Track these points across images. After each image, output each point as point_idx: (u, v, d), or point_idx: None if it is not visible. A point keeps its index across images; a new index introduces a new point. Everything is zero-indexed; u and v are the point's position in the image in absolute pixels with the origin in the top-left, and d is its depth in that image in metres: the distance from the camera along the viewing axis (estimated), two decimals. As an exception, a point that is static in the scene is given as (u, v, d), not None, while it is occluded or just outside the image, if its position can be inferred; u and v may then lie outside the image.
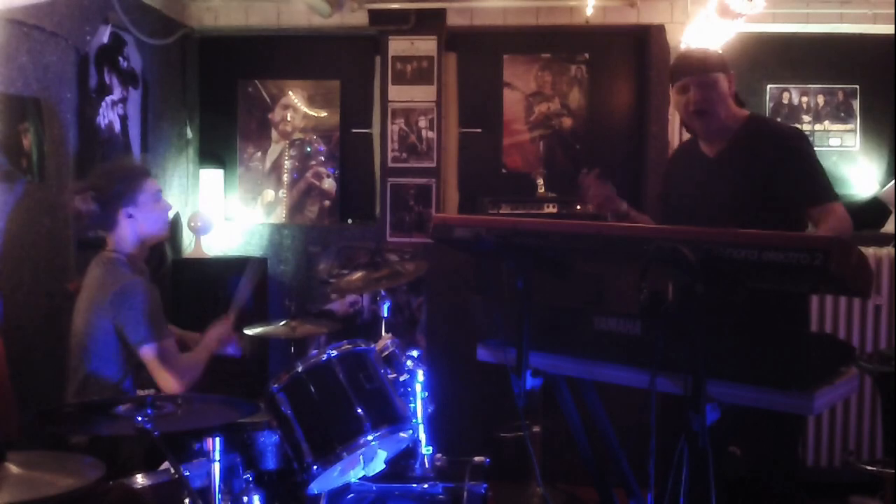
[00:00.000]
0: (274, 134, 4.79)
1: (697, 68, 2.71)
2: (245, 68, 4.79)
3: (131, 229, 2.82)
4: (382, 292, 3.47)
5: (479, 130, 4.71)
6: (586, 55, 4.63)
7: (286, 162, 4.78)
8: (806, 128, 4.39)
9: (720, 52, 2.80)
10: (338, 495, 2.75)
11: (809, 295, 2.79)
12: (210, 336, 2.94)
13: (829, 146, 4.46)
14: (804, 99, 4.47)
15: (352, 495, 2.79)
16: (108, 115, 3.79)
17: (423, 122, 4.56)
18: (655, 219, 3.01)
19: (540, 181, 4.42)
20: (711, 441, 1.80)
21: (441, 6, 4.50)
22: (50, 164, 3.28)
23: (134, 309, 2.68)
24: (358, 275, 3.54)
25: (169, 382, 2.68)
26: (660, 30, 4.43)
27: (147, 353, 2.68)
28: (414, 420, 2.82)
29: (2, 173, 3.00)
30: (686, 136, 4.48)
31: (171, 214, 2.99)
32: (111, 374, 2.73)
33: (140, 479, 2.15)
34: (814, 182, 2.62)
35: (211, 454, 2.15)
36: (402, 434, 2.61)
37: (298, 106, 4.77)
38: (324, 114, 4.76)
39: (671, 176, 3.01)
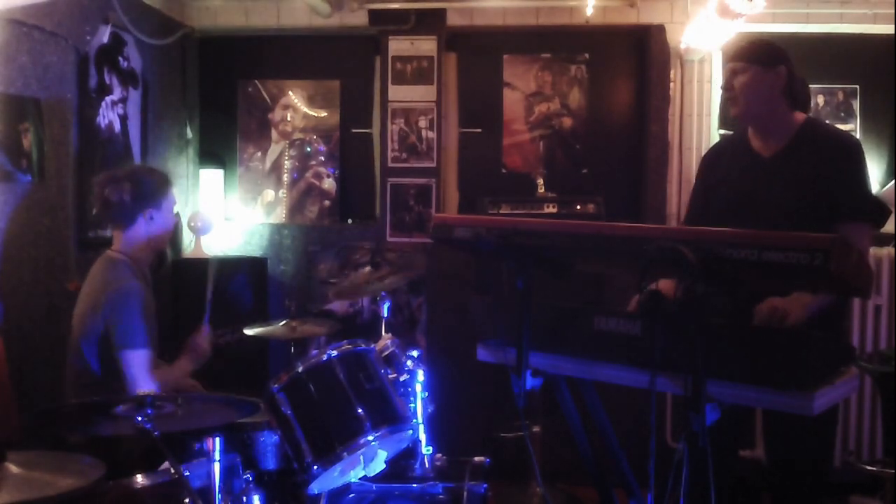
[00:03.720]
0: (274, 134, 4.79)
1: (730, 54, 2.69)
2: (245, 68, 4.79)
3: (145, 231, 2.86)
4: (382, 292, 3.47)
5: (479, 130, 4.71)
6: (586, 55, 4.63)
7: (286, 162, 4.78)
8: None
9: (774, 44, 2.70)
10: (338, 495, 2.75)
11: (848, 300, 2.73)
12: (186, 354, 2.99)
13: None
14: (804, 99, 4.47)
15: (352, 495, 2.79)
16: (108, 115, 3.79)
17: (423, 122, 4.56)
18: (689, 214, 2.96)
19: (540, 181, 4.42)
20: (720, 443, 1.79)
21: (441, 6, 4.50)
22: (50, 164, 3.29)
23: (125, 313, 2.68)
24: (365, 271, 3.53)
25: (137, 392, 2.68)
26: (660, 30, 4.43)
27: (126, 358, 2.68)
28: (414, 420, 2.81)
29: (2, 173, 3.00)
30: (684, 137, 4.50)
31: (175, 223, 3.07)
32: (104, 372, 2.73)
33: (140, 479, 2.14)
34: (850, 196, 2.55)
35: (211, 454, 2.15)
36: (402, 434, 2.61)
37: (298, 106, 4.77)
38: (324, 114, 4.76)
39: (715, 170, 2.87)
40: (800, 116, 2.69)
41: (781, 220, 2.53)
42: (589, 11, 4.12)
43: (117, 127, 3.89)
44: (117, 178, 2.87)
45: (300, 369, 2.52)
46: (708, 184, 2.87)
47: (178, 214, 3.11)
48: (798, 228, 2.13)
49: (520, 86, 4.67)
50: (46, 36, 3.27)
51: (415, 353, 3.01)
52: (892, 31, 4.03)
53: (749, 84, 2.63)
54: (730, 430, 2.24)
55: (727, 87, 2.68)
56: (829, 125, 2.81)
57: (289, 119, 4.78)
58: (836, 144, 2.62)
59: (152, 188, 2.88)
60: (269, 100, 4.78)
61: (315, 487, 2.51)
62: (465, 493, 2.81)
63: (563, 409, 2.39)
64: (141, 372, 2.69)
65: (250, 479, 2.38)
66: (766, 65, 2.63)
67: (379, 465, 2.64)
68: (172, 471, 2.07)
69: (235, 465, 2.37)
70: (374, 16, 4.52)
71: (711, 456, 1.75)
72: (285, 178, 4.78)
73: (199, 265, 4.38)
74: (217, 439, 2.15)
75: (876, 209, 2.60)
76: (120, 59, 3.89)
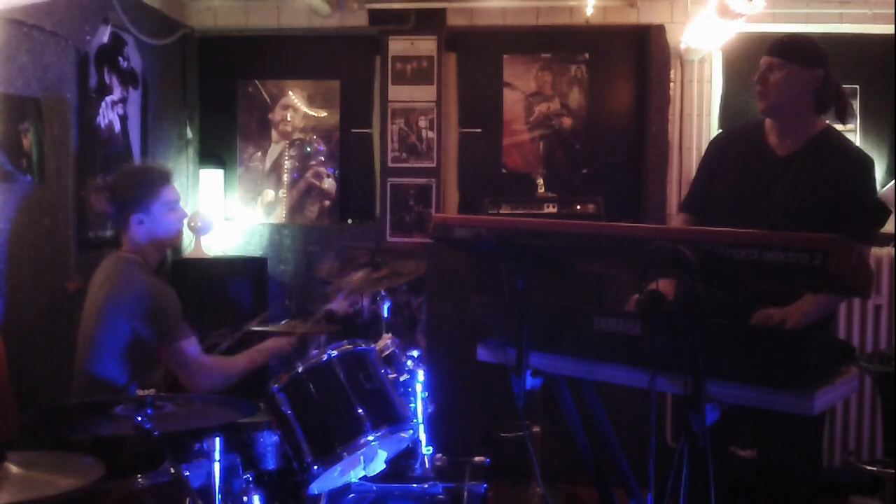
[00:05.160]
0: (274, 134, 4.79)
1: (770, 49, 2.65)
2: (245, 68, 4.79)
3: (142, 234, 2.83)
4: (382, 292, 3.47)
5: (479, 130, 4.71)
6: (586, 55, 4.63)
7: (286, 162, 4.78)
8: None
9: (817, 45, 2.68)
10: (338, 495, 2.75)
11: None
12: (265, 344, 2.98)
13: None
14: (804, 99, 4.46)
15: (352, 495, 2.79)
16: (108, 115, 3.79)
17: (423, 122, 4.56)
18: (689, 196, 2.93)
19: (540, 181, 4.42)
20: (714, 441, 1.79)
21: (441, 6, 4.50)
22: (50, 164, 3.28)
23: (158, 310, 2.69)
24: (359, 274, 3.53)
25: (193, 381, 2.69)
26: (660, 30, 4.43)
27: (173, 353, 2.69)
28: (414, 420, 2.82)
29: (2, 173, 3.00)
30: (684, 137, 4.50)
31: (184, 219, 2.99)
32: (117, 377, 2.72)
33: (140, 479, 2.14)
34: (856, 213, 2.53)
35: (211, 454, 2.15)
36: (402, 434, 2.61)
37: (298, 106, 4.77)
38: (324, 114, 4.76)
39: (724, 157, 2.83)
40: (821, 122, 2.69)
41: (781, 220, 2.52)
42: (589, 11, 4.13)
43: (117, 127, 3.88)
44: (99, 187, 2.85)
45: (300, 369, 2.52)
46: (714, 169, 2.84)
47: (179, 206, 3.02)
48: (795, 230, 2.12)
49: (520, 86, 4.67)
50: (46, 36, 3.27)
51: (415, 353, 3.01)
52: (892, 31, 4.03)
53: (784, 81, 2.61)
54: (725, 429, 2.24)
55: (761, 81, 2.65)
56: (845, 139, 2.76)
57: (289, 119, 4.78)
58: (847, 157, 2.61)
59: (133, 194, 2.81)
60: (269, 100, 4.78)
61: (315, 487, 2.51)
62: (465, 493, 2.82)
63: (563, 409, 2.39)
64: (195, 358, 2.71)
65: (250, 479, 2.39)
66: (804, 65, 2.61)
67: (379, 465, 2.64)
68: (172, 471, 2.07)
69: (235, 465, 2.37)
70: (374, 16, 4.52)
71: (720, 457, 1.75)
72: (285, 178, 4.78)
73: (200, 265, 4.39)
74: (217, 439, 2.15)
75: (877, 223, 2.59)
76: (120, 59, 3.89)
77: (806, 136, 2.65)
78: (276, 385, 2.52)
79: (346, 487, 2.77)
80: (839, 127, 2.78)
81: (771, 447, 2.69)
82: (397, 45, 4.56)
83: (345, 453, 2.43)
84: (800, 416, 1.78)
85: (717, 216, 2.71)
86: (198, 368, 2.71)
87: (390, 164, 4.59)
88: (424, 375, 2.96)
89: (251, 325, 3.24)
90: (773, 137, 2.71)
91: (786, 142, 2.68)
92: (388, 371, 2.78)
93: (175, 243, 3.04)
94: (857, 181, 2.57)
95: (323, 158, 4.76)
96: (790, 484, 2.67)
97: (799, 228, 2.37)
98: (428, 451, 2.95)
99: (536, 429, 3.93)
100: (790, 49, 2.64)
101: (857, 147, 2.74)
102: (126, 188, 2.83)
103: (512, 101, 4.68)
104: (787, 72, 2.61)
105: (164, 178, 2.90)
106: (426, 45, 4.54)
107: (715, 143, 2.93)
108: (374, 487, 2.81)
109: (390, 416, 2.56)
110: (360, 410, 2.49)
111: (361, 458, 2.53)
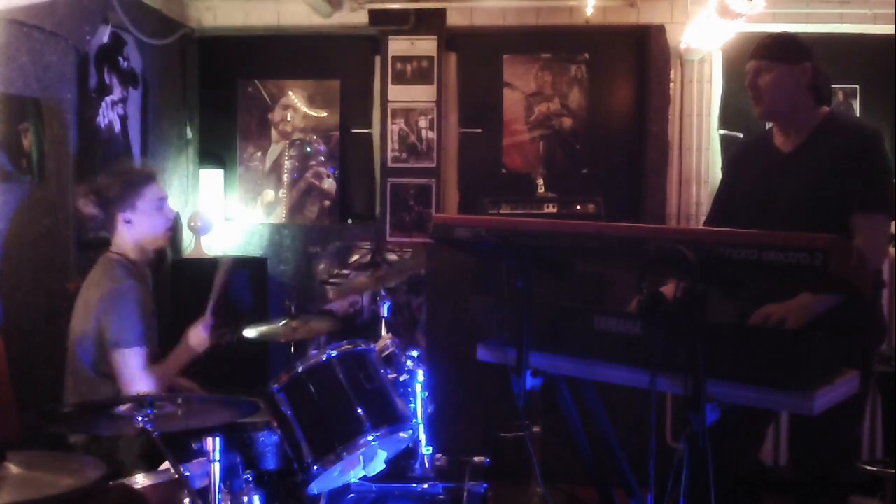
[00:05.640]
0: (274, 134, 4.79)
1: (755, 53, 2.63)
2: (245, 68, 4.80)
3: (129, 234, 2.81)
4: (382, 292, 3.47)
5: (479, 130, 4.72)
6: (586, 55, 4.63)
7: (286, 162, 4.78)
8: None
9: (799, 40, 2.66)
10: (338, 495, 2.75)
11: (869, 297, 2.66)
12: (183, 344, 2.92)
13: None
14: (804, 99, 4.46)
15: (352, 495, 2.79)
16: (108, 115, 3.79)
17: (423, 122, 4.56)
18: (710, 213, 2.92)
19: (540, 181, 4.42)
20: (730, 444, 1.79)
21: (441, 6, 4.50)
22: (50, 164, 3.29)
23: (120, 313, 2.67)
24: (362, 277, 3.53)
25: (133, 391, 2.66)
26: (660, 30, 4.43)
27: (120, 357, 2.66)
28: (414, 420, 2.81)
29: (2, 173, 3.00)
30: (684, 138, 4.50)
31: (171, 218, 2.96)
32: (99, 373, 2.72)
33: (140, 479, 2.14)
34: (864, 185, 2.48)
35: (211, 454, 2.15)
36: (402, 434, 2.61)
37: (298, 106, 4.77)
38: (324, 114, 4.77)
39: (737, 168, 2.83)
40: (823, 111, 2.66)
41: (799, 215, 2.50)
42: (589, 11, 4.13)
43: (117, 127, 3.89)
44: (85, 190, 2.83)
45: (300, 369, 2.52)
46: (729, 182, 2.84)
47: (177, 214, 3.04)
48: (815, 223, 2.10)
49: (520, 86, 4.67)
50: (46, 36, 3.27)
51: (415, 353, 3.01)
52: (892, 31, 4.03)
53: (775, 82, 2.59)
54: (726, 429, 2.23)
55: (752, 86, 2.63)
56: (851, 117, 2.72)
57: (289, 119, 4.78)
58: (851, 135, 2.56)
59: (117, 193, 2.79)
60: (269, 100, 4.78)
61: (315, 487, 2.51)
62: (465, 493, 2.82)
63: (563, 409, 2.38)
64: (135, 370, 2.67)
65: (250, 479, 2.38)
66: (792, 62, 2.60)
67: (379, 465, 2.64)
68: (172, 471, 2.07)
69: (235, 465, 2.37)
70: (374, 16, 4.52)
71: (722, 457, 1.75)
72: (285, 178, 4.78)
73: (200, 265, 4.39)
74: (217, 439, 2.15)
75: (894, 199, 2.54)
76: (120, 59, 3.89)
77: (808, 129, 2.64)
78: (276, 385, 2.52)
79: (346, 487, 2.76)
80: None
81: (809, 447, 2.67)
82: (397, 45, 4.56)
83: (345, 453, 2.43)
84: (836, 419, 1.75)
85: (736, 225, 2.69)
86: (136, 381, 2.67)
87: (390, 164, 4.60)
88: (424, 375, 2.95)
89: (245, 329, 3.24)
90: (779, 137, 2.71)
91: (790, 138, 2.67)
92: (388, 371, 2.78)
93: (162, 243, 3.01)
94: (862, 153, 2.51)
95: (323, 158, 4.76)
96: (827, 482, 2.65)
97: (815, 219, 2.35)
98: (428, 451, 2.95)
99: (536, 429, 3.93)
100: (775, 49, 2.62)
101: (860, 123, 2.67)
102: (110, 187, 2.82)
103: (512, 101, 4.68)
104: (777, 72, 2.59)
105: (148, 176, 2.89)
106: (426, 45, 4.54)
107: (729, 157, 2.91)
108: (374, 487, 2.81)
109: (390, 416, 2.56)
110: (359, 410, 2.49)
111: (361, 458, 2.53)
